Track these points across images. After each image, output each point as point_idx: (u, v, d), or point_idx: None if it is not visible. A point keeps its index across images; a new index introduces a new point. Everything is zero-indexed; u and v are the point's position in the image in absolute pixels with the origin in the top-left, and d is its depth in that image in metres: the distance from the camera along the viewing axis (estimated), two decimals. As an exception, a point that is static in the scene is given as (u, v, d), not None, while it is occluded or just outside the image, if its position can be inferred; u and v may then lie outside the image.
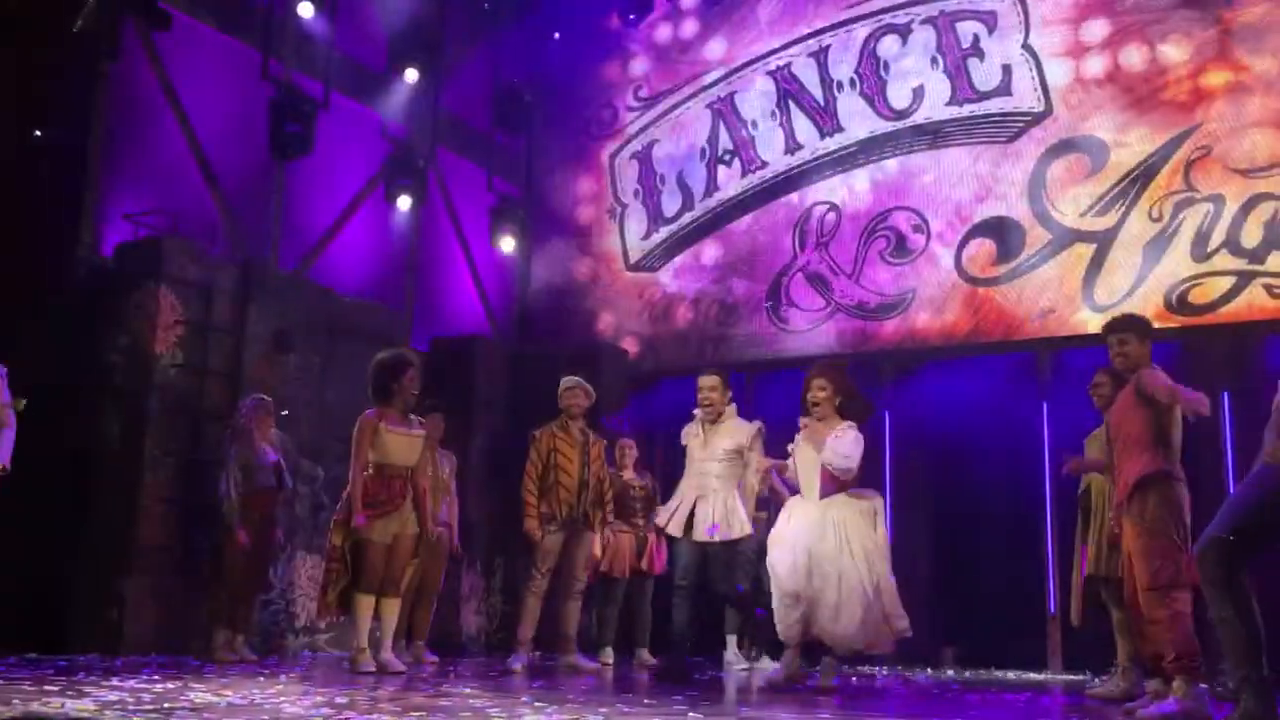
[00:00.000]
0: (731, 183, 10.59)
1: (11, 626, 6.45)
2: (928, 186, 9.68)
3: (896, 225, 9.72)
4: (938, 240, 9.52)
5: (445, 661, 7.44)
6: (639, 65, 11.23)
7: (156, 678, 5.27)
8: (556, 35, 11.49)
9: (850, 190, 10.01)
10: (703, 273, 10.60)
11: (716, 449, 6.15)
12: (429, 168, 10.17)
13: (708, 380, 6.27)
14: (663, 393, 10.28)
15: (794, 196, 10.27)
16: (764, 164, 10.44)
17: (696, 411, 6.26)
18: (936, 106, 9.70)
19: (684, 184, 10.83)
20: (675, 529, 6.10)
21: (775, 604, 5.59)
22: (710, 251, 10.61)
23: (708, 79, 10.83)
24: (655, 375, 10.45)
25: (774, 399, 9.74)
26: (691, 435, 6.31)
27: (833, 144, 10.13)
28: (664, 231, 10.86)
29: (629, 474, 8.16)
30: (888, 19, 10.02)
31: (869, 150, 9.95)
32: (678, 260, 10.75)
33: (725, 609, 7.93)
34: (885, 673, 7.94)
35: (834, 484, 5.60)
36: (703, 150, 10.77)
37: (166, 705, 3.93)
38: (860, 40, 10.12)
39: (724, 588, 6.15)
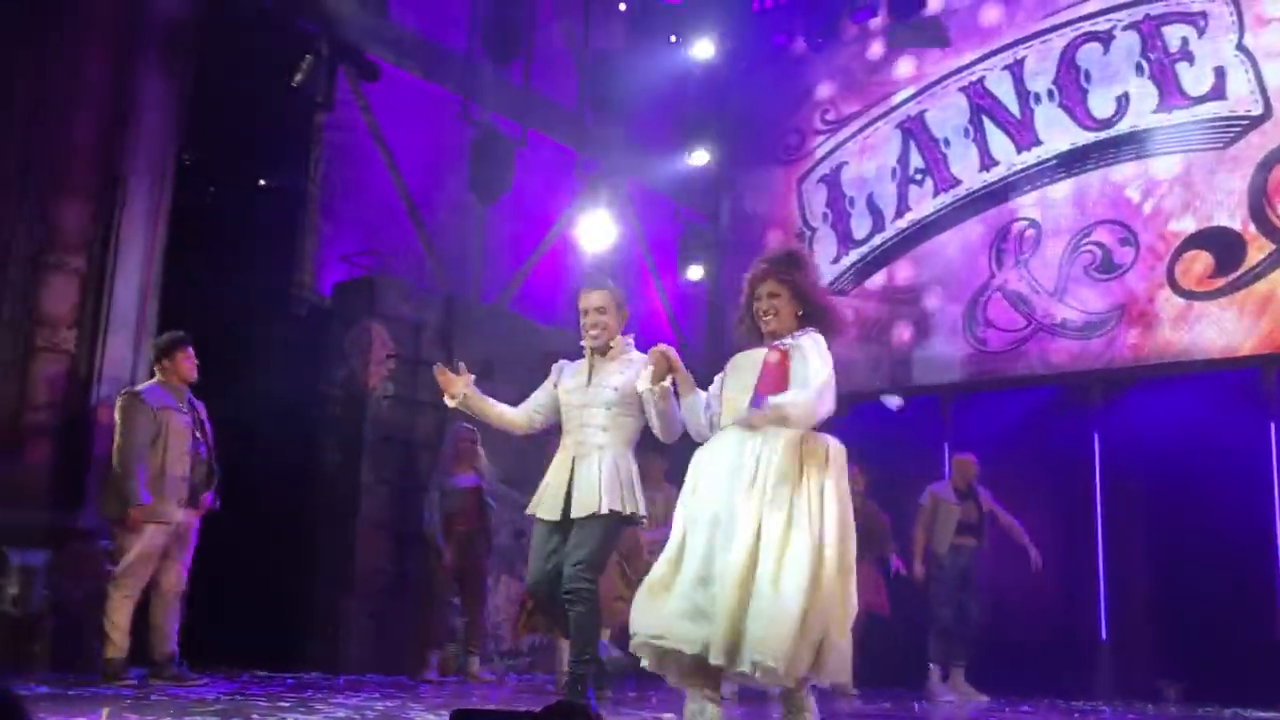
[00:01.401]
0: (924, 202, 10.38)
1: (244, 645, 6.88)
2: (1136, 198, 9.24)
3: (1102, 239, 9.31)
4: (1148, 254, 9.07)
5: (646, 685, 7.51)
6: (825, 89, 11.17)
7: (376, 696, 5.53)
8: (743, 63, 11.56)
9: (1050, 205, 9.66)
10: (895, 295, 10.42)
11: (602, 390, 4.38)
12: (620, 199, 10.38)
13: (594, 297, 4.45)
14: (853, 416, 10.11)
15: (990, 214, 9.98)
16: (957, 182, 10.20)
17: (582, 343, 4.53)
18: (1143, 114, 9.27)
19: (874, 206, 10.69)
20: (548, 511, 4.36)
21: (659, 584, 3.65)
22: (903, 273, 10.43)
23: (896, 98, 10.67)
24: (848, 400, 10.28)
25: (974, 423, 9.49)
26: (569, 375, 4.52)
27: (1030, 158, 9.81)
28: (854, 254, 10.74)
29: (857, 502, 8.09)
30: (1087, 26, 9.65)
31: (1070, 163, 9.58)
32: (869, 283, 10.60)
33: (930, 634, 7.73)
34: (1102, 708, 7.55)
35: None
36: (893, 171, 10.61)
37: (390, 723, 4.12)
38: (1058, 50, 9.78)
39: (572, 579, 4.21)
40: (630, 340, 4.51)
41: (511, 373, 8.38)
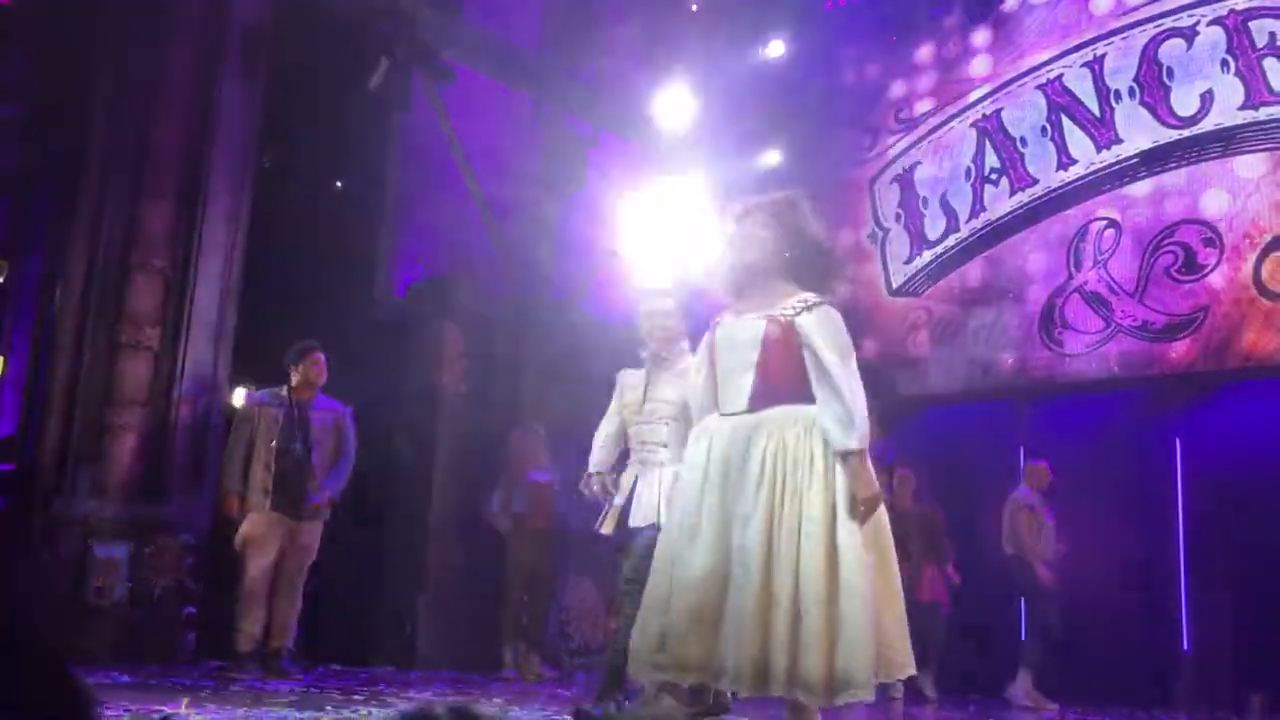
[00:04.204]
0: (999, 203, 10.20)
1: (321, 640, 7.00)
2: (1220, 197, 9.00)
3: (1185, 239, 9.08)
4: (1233, 254, 8.82)
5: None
6: (899, 87, 11.04)
7: (447, 691, 5.59)
8: (815, 62, 11.47)
9: (1131, 205, 9.44)
10: (969, 296, 10.26)
11: (658, 405, 4.32)
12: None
13: (656, 302, 4.42)
14: (928, 420, 10.02)
15: (1068, 214, 9.78)
16: (1034, 181, 10.02)
17: (642, 352, 4.48)
18: (1228, 111, 9.01)
19: (948, 206, 10.54)
20: (608, 526, 4.41)
21: (644, 613, 3.32)
22: (977, 274, 10.26)
23: (972, 97, 10.51)
24: (920, 402, 10.19)
25: (1050, 428, 9.31)
26: (628, 390, 4.51)
27: (1110, 157, 9.59)
28: (928, 255, 10.60)
29: (908, 503, 8.06)
30: (1170, 22, 9.41)
31: (1151, 162, 9.35)
32: (942, 283, 10.45)
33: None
34: (1183, 719, 7.37)
35: (777, 386, 3.22)
36: (968, 170, 10.45)
37: (462, 718, 4.15)
38: (1139, 47, 9.55)
39: (630, 577, 4.16)
40: (686, 346, 4.35)
41: (581, 370, 8.42)
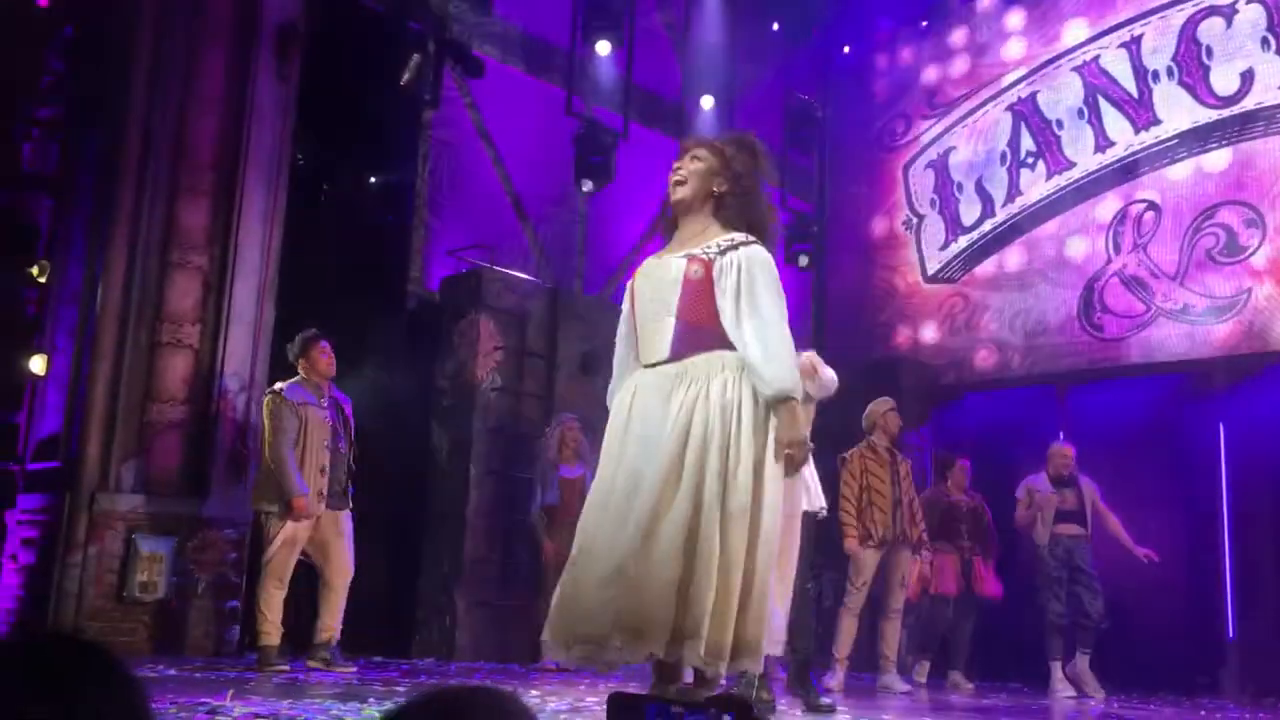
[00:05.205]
0: (1035, 186, 10.11)
1: (361, 633, 7.04)
2: (1262, 177, 8.85)
3: (1226, 221, 8.95)
4: (1276, 235, 8.69)
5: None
6: (932, 72, 10.95)
7: (487, 683, 5.61)
8: (846, 49, 11.41)
9: (1170, 186, 9.32)
10: (1006, 281, 10.18)
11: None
12: (723, 189, 10.33)
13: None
14: (966, 407, 9.95)
15: (1106, 196, 9.67)
16: (1071, 164, 9.91)
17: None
18: (1269, 90, 8.87)
19: (983, 190, 10.45)
20: None
21: (569, 578, 2.98)
22: (1014, 259, 10.17)
23: (1006, 80, 10.41)
24: (958, 389, 10.13)
25: (1091, 413, 9.22)
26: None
27: (1149, 138, 9.47)
28: (963, 241, 10.52)
29: (958, 494, 8.01)
30: (1208, 1, 9.27)
31: (1191, 142, 9.22)
32: (979, 269, 10.37)
33: (1047, 631, 7.58)
34: (1229, 707, 7.27)
35: (701, 330, 2.95)
36: (1003, 154, 10.35)
37: (502, 709, 4.16)
38: (1177, 26, 9.42)
39: None
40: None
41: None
